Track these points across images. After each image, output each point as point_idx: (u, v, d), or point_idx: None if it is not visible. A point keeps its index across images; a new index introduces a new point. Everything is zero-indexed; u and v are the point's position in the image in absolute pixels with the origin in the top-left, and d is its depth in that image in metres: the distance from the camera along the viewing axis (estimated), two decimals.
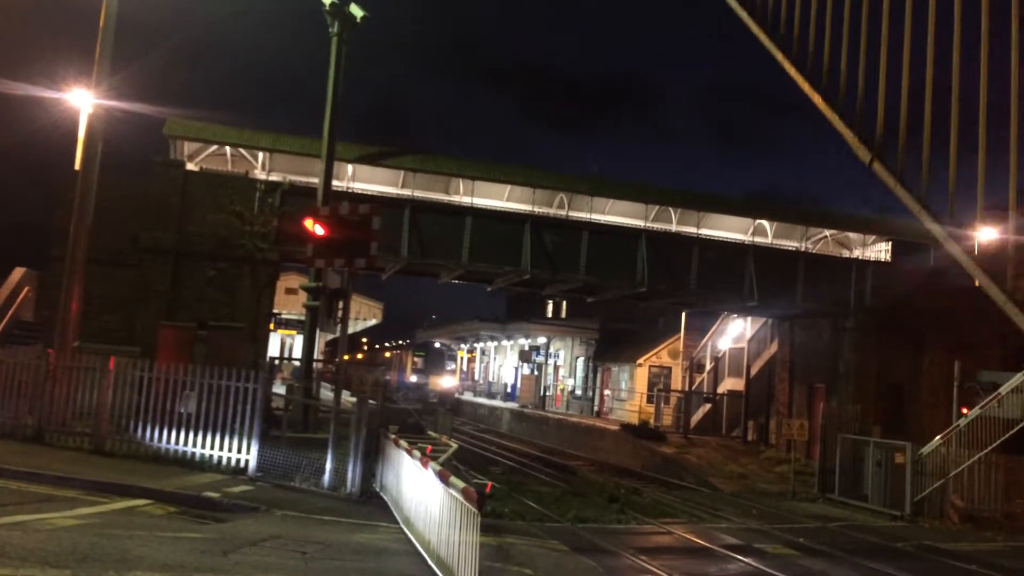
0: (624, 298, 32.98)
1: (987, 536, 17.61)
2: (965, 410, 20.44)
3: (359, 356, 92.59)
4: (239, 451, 14.72)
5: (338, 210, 16.25)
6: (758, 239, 30.43)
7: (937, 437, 19.90)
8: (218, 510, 11.45)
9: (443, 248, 27.75)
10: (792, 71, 4.44)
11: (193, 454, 14.89)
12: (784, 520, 18.50)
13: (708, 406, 38.45)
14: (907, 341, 28.46)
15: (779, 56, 4.70)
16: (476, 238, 27.70)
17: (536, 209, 29.06)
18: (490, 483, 11.04)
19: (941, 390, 24.62)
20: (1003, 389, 19.50)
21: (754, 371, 36.21)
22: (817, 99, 4.05)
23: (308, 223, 15.86)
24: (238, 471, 14.57)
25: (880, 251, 31.05)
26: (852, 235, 31.24)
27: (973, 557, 15.01)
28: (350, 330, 22.13)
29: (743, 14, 5.24)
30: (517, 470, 27.61)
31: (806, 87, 4.20)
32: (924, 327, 28.35)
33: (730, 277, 29.49)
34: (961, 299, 29.06)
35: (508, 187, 30.11)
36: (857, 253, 31.08)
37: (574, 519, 16.29)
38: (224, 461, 14.77)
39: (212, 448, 14.85)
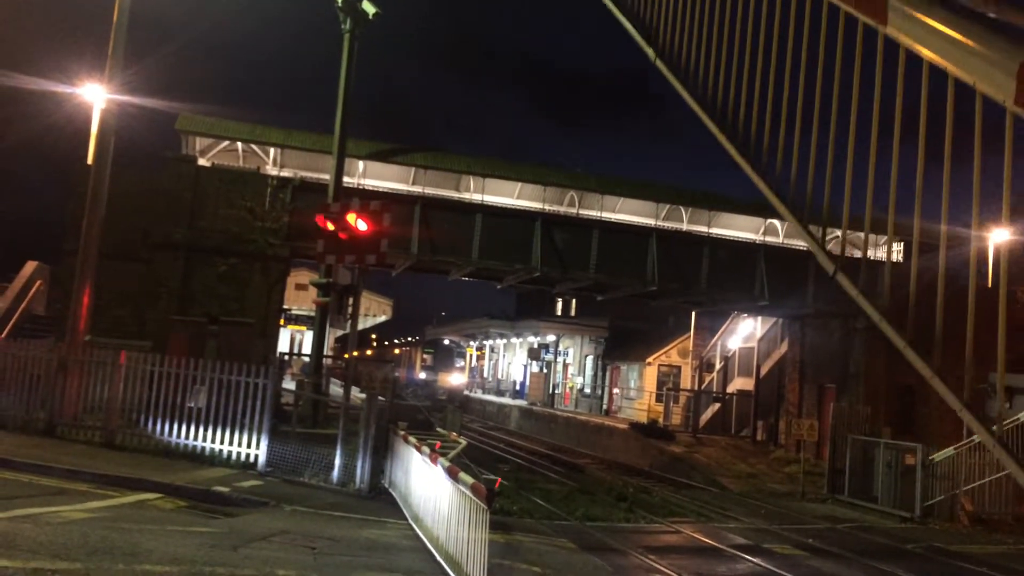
0: (634, 297, 32.94)
1: (997, 539, 17.52)
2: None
3: (368, 352, 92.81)
4: (249, 446, 14.78)
5: (350, 207, 16.28)
6: (769, 239, 30.35)
7: (950, 448, 19.75)
8: (228, 504, 11.50)
9: (453, 245, 27.78)
10: (743, 164, 4.55)
11: (203, 448, 14.96)
12: (793, 520, 18.45)
13: (717, 405, 38.36)
14: (919, 342, 28.32)
15: (730, 149, 4.85)
16: (486, 235, 27.71)
17: (546, 207, 29.08)
18: (499, 480, 11.03)
19: (956, 392, 24.52)
20: None
21: (764, 371, 36.10)
22: (773, 200, 4.19)
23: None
24: (248, 466, 14.62)
25: (893, 251, 30.97)
26: (863, 235, 31.17)
27: (983, 559, 14.93)
28: (360, 326, 22.16)
29: (696, 109, 5.35)
30: (525, 467, 27.61)
31: (762, 188, 4.31)
32: (935, 328, 28.18)
33: (741, 276, 29.41)
34: (975, 301, 28.97)
35: (518, 185, 30.13)
36: (870, 253, 31.02)
37: (582, 517, 16.27)
38: (234, 456, 14.83)
39: (222, 443, 14.91)
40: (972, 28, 2.52)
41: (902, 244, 30.54)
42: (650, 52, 5.77)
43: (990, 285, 29.76)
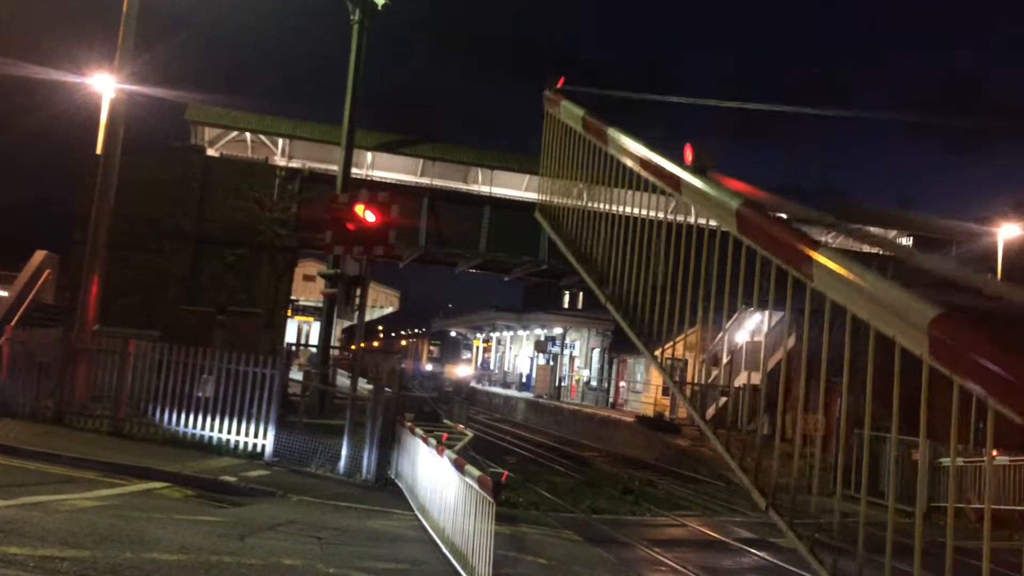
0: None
1: (1004, 534, 17.46)
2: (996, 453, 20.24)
3: (376, 344, 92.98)
4: (256, 436, 14.83)
5: (359, 198, 16.29)
6: None
7: (960, 459, 19.68)
8: (235, 494, 11.55)
9: (461, 237, 27.78)
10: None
11: (210, 438, 15.01)
12: (798, 515, 18.41)
13: (724, 399, 38.31)
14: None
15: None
16: (494, 228, 27.71)
17: (558, 200, 29.04)
18: (505, 472, 11.03)
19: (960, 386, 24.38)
20: None
21: (771, 365, 36.05)
22: (721, 449, 4.38)
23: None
24: (255, 456, 14.67)
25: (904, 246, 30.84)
26: (867, 229, 31.00)
27: (989, 555, 14.88)
28: (367, 318, 22.18)
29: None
30: (532, 460, 27.64)
31: (718, 447, 4.47)
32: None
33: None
34: (976, 295, 28.92)
35: (526, 177, 30.07)
36: (874, 248, 30.86)
37: (588, 510, 16.30)
38: (241, 446, 14.88)
39: (229, 432, 14.96)
40: (889, 289, 2.75)
41: (907, 238, 30.47)
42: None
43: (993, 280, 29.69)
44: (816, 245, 3.08)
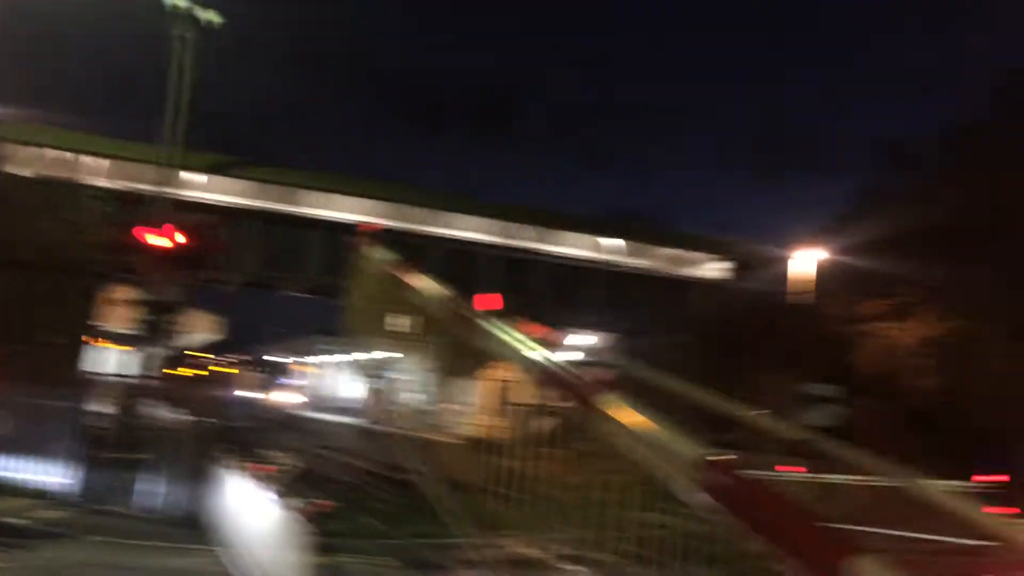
0: None
1: None
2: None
3: (197, 372, 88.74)
4: (57, 474, 13.89)
5: (180, 221, 15.72)
6: (604, 257, 31.53)
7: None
8: (25, 537, 10.78)
9: (291, 261, 27.26)
10: None
11: (6, 479, 13.92)
12: (620, 529, 19.12)
13: (551, 419, 39.30)
14: (738, 355, 30.14)
15: None
16: (325, 251, 27.36)
17: (391, 223, 28.97)
18: (329, 502, 10.94)
19: (771, 402, 26.11)
20: None
21: None
22: None
23: (148, 235, 15.24)
24: (55, 495, 13.73)
25: (712, 270, 32.80)
26: (687, 254, 32.87)
27: None
28: (188, 345, 21.27)
29: None
30: (359, 487, 27.21)
31: None
32: (752, 342, 30.14)
33: (576, 293, 30.41)
34: (784, 316, 31.31)
35: (361, 200, 29.89)
36: (693, 271, 32.72)
37: (412, 535, 16.28)
38: (40, 485, 13.89)
39: (28, 471, 13.94)
40: (661, 435, 3.03)
41: (720, 262, 32.61)
42: None
43: (801, 302, 32.22)
44: (604, 390, 3.33)
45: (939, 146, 33.23)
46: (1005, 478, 16.23)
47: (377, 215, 29.02)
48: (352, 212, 29.55)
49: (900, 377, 31.55)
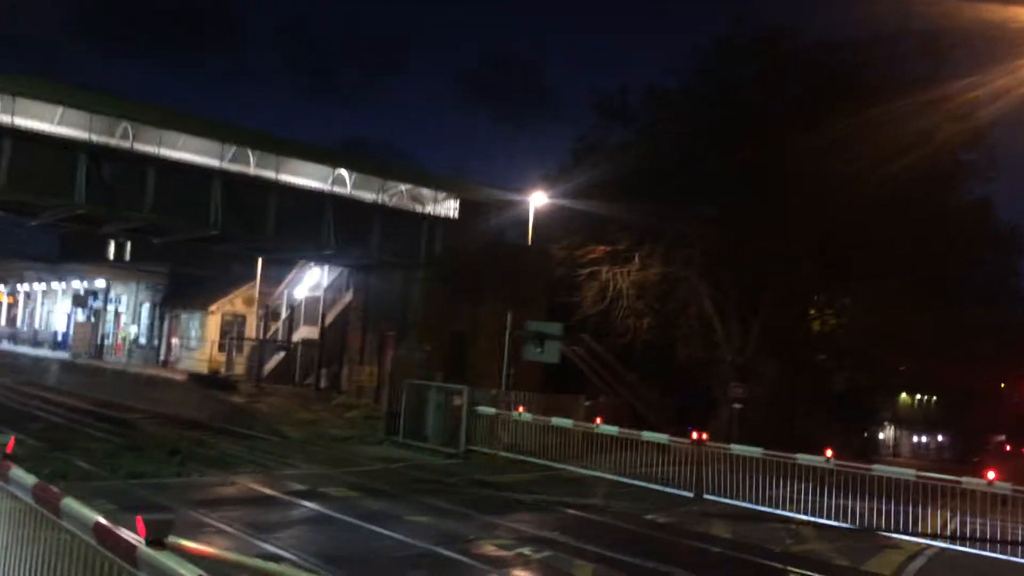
0: (196, 241, 31.06)
1: (526, 468, 19.77)
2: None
3: None
4: None
5: None
6: (337, 189, 30.52)
7: (492, 408, 21.71)
8: None
9: None
10: None
11: None
12: (350, 464, 18.95)
13: (282, 354, 38.02)
14: (469, 293, 30.76)
15: None
16: (17, 163, 23.96)
17: (94, 137, 25.89)
18: (13, 438, 9.53)
19: (497, 338, 26.96)
20: None
21: (329, 319, 36.58)
22: None
23: None
24: None
25: (450, 208, 32.98)
26: (425, 191, 32.72)
27: (512, 486, 16.80)
28: None
29: None
30: (64, 426, 24.71)
31: None
32: (484, 281, 30.87)
33: (309, 224, 29.24)
34: (515, 257, 32.38)
35: (60, 109, 26.37)
36: (429, 208, 32.68)
37: (126, 475, 15.00)
38: None
39: None
40: None
41: (458, 201, 32.91)
42: None
43: (530, 243, 33.46)
44: None
45: (648, 102, 35.69)
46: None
47: (77, 127, 25.72)
48: (51, 123, 26.01)
49: (615, 317, 33.98)
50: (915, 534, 14.36)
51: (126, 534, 4.15)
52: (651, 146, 33.50)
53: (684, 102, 34.85)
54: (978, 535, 14.04)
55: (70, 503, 4.90)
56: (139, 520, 4.03)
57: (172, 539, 4.18)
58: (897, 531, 14.55)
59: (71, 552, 4.92)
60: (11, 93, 24.65)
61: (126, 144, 26.55)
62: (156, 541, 3.97)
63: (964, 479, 14.69)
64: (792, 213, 30.39)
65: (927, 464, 40.66)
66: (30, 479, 5.44)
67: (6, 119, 24.50)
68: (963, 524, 14.52)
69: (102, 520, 4.45)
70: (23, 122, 24.95)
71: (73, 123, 25.95)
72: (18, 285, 58.66)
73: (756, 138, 30.39)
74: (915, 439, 70.39)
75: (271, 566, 4.98)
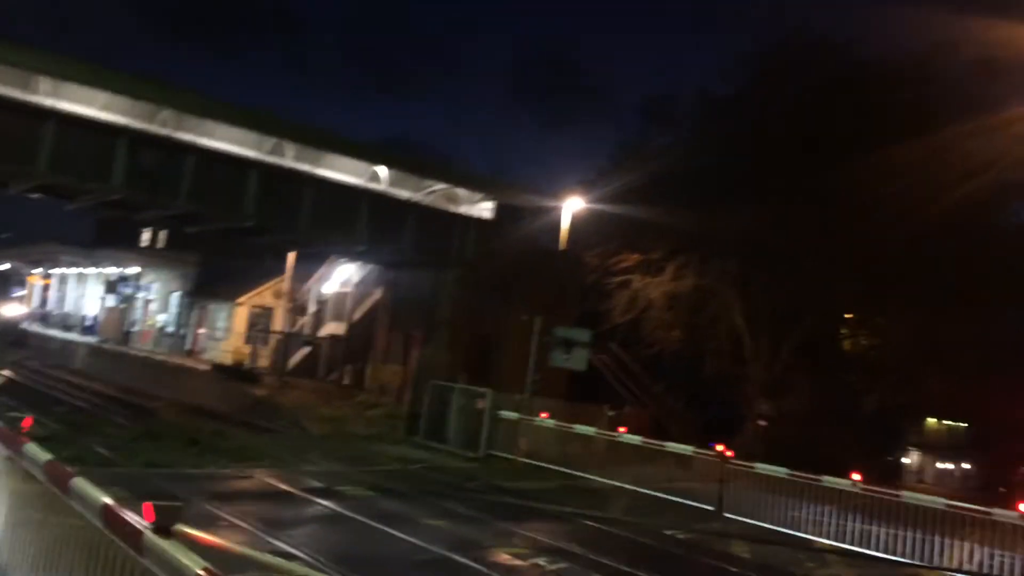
0: (230, 232, 31.22)
1: (547, 475, 19.53)
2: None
3: None
4: None
5: None
6: (373, 185, 30.49)
7: (514, 414, 21.53)
8: None
9: (16, 152, 23.78)
10: None
11: None
12: (369, 463, 18.83)
13: (308, 349, 38.12)
14: (499, 296, 30.57)
15: None
16: (59, 147, 24.15)
17: (135, 123, 26.07)
18: (31, 417, 9.50)
19: (523, 343, 26.74)
20: None
21: (357, 316, 36.60)
22: None
23: None
24: None
25: (485, 210, 32.83)
26: (461, 191, 32.60)
27: (530, 494, 16.58)
28: None
29: None
30: (87, 411, 24.90)
31: None
32: (514, 284, 30.67)
33: (343, 220, 29.24)
34: (547, 262, 32.16)
35: (105, 94, 26.61)
36: (464, 209, 32.56)
37: (144, 464, 14.99)
38: None
39: None
40: None
41: (494, 203, 32.78)
42: None
43: (563, 248, 33.21)
44: None
45: (696, 108, 35.23)
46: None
47: (119, 112, 25.89)
48: (91, 106, 26.20)
49: (644, 327, 33.62)
50: (941, 566, 13.94)
51: (133, 519, 4.05)
52: (695, 152, 33.07)
53: (733, 108, 34.37)
54: (1006, 570, 13.60)
55: (80, 483, 4.82)
56: (146, 505, 3.92)
57: (181, 528, 4.08)
58: (922, 561, 14.15)
59: (77, 538, 4.83)
60: (58, 77, 24.93)
61: (166, 131, 26.74)
62: (163, 528, 3.86)
63: (995, 511, 14.25)
64: (834, 230, 29.87)
65: (951, 492, 39.81)
66: (43, 455, 5.40)
67: (50, 102, 24.79)
68: (990, 556, 14.08)
69: (110, 502, 4.37)
70: (67, 106, 25.22)
71: (115, 108, 26.20)
72: (52, 269, 59.54)
73: (805, 151, 29.90)
74: (940, 465, 69.10)
75: (278, 562, 4.84)
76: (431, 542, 10.97)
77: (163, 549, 3.67)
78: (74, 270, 56.94)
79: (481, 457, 21.02)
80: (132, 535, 3.94)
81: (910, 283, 32.18)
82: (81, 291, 57.14)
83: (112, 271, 50.08)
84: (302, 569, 5.70)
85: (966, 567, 13.99)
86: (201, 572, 3.36)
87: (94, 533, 4.46)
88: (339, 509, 12.61)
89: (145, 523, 3.85)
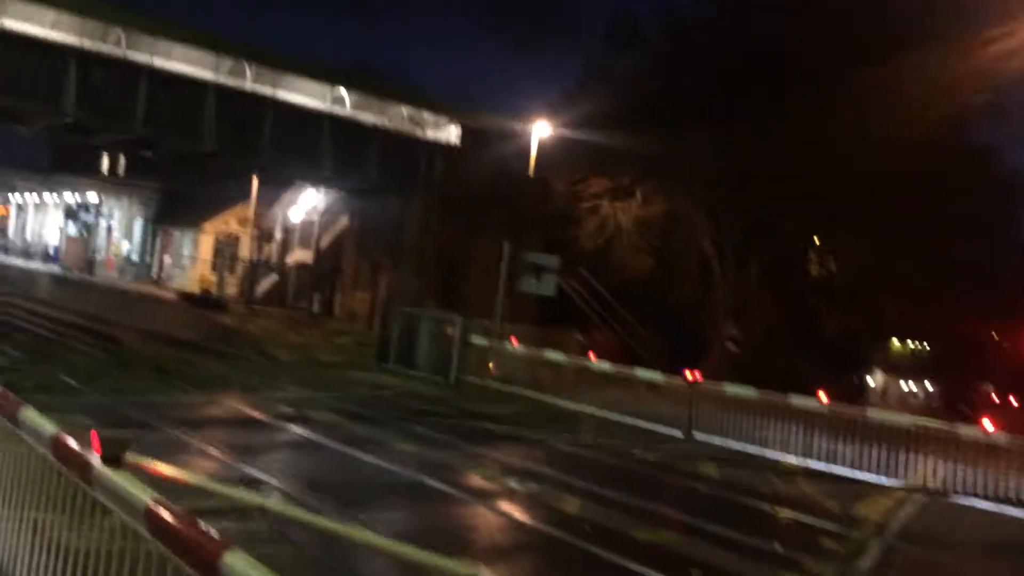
0: (190, 155, 30.46)
1: (517, 400, 19.57)
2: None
3: None
4: None
5: None
6: (337, 109, 29.77)
7: (484, 339, 21.42)
8: None
9: None
10: None
11: None
12: (339, 389, 18.75)
13: (276, 277, 37.75)
14: (467, 222, 30.28)
15: None
16: (5, 68, 23.23)
17: (86, 43, 25.06)
18: None
19: (492, 268, 26.58)
20: None
21: (324, 243, 36.18)
22: None
23: None
24: None
25: (451, 135, 32.29)
26: (427, 115, 32.00)
27: (501, 418, 16.64)
28: None
29: None
30: (50, 340, 24.45)
31: None
32: (481, 210, 30.36)
33: (306, 145, 28.63)
34: (515, 187, 31.80)
35: (52, 12, 25.48)
36: (430, 134, 32.00)
37: (110, 391, 14.76)
38: None
39: None
40: None
41: (460, 128, 32.21)
42: None
43: (531, 174, 32.83)
44: (223, 548, 2.81)
45: (662, 30, 34.62)
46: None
47: (68, 31, 24.84)
48: (38, 24, 25.08)
49: (614, 253, 33.60)
50: (906, 481, 14.25)
51: (82, 450, 3.89)
52: (662, 75, 32.60)
53: (700, 30, 33.81)
54: (969, 485, 13.92)
55: (28, 413, 4.63)
56: (94, 435, 3.76)
57: (135, 459, 3.91)
58: (888, 477, 14.45)
59: (29, 468, 4.67)
60: None
61: (119, 52, 25.76)
62: (112, 459, 3.70)
63: (960, 427, 14.52)
64: (796, 154, 29.79)
65: (915, 411, 40.85)
66: None
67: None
68: (954, 473, 14.40)
69: (59, 433, 4.21)
70: (12, 24, 24.13)
71: (64, 27, 25.10)
72: (10, 195, 57.99)
73: (770, 75, 29.58)
74: (904, 385, 70.81)
75: (230, 491, 4.72)
76: (402, 466, 10.94)
77: (112, 481, 3.51)
78: (33, 197, 55.53)
79: (451, 383, 21.01)
80: (81, 467, 3.77)
81: (868, 204, 32.37)
82: (41, 219, 55.87)
83: (71, 198, 48.89)
84: (251, 496, 5.62)
85: (931, 482, 14.31)
86: (150, 502, 3.21)
87: (46, 464, 4.30)
88: (309, 434, 12.53)
89: (95, 455, 3.68)
